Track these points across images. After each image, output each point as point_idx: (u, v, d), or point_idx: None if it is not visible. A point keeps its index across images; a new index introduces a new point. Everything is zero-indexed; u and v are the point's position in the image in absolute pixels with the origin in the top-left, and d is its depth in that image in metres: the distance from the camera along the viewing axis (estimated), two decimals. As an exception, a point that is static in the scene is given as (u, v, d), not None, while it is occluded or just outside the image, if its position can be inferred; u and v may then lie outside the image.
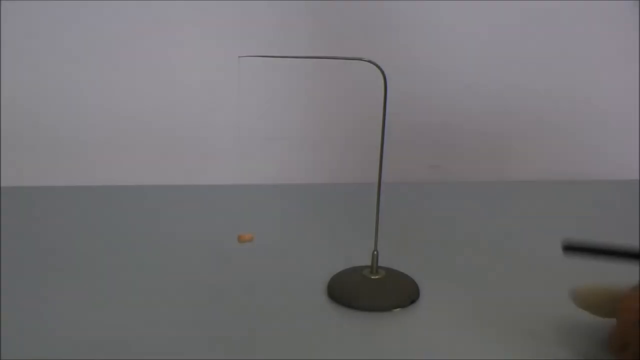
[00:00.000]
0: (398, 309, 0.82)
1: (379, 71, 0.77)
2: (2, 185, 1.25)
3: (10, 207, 1.14)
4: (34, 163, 1.27)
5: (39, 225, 1.08)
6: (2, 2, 1.17)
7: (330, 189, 1.31)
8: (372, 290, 0.84)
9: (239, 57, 0.86)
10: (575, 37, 1.34)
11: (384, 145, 0.83)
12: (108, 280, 0.89)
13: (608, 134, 1.40)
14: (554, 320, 0.80)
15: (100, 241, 1.02)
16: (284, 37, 1.25)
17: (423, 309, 0.83)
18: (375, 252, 0.87)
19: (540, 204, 1.25)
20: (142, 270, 0.92)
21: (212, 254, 0.97)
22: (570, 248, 0.74)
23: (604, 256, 0.72)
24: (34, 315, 0.79)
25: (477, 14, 1.29)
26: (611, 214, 1.20)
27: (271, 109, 1.30)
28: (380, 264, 0.88)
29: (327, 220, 1.13)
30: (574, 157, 1.40)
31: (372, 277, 0.87)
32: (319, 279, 0.88)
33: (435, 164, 1.38)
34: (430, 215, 1.17)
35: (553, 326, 0.78)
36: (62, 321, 0.77)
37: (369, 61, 0.78)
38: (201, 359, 0.70)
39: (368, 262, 0.88)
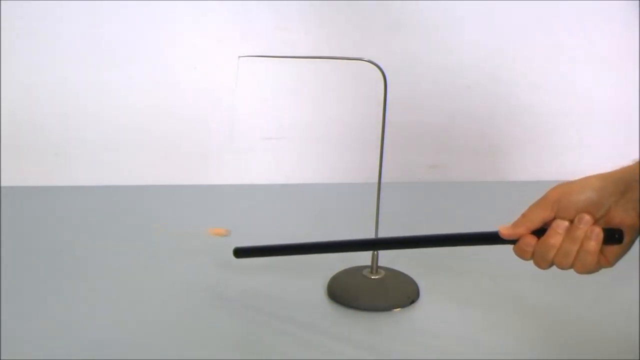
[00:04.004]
0: (398, 309, 0.82)
1: (379, 71, 0.77)
2: (2, 185, 1.25)
3: (11, 207, 1.14)
4: (34, 163, 1.27)
5: (40, 225, 1.08)
6: (2, 2, 1.17)
7: (330, 189, 1.31)
8: (372, 290, 0.84)
9: (239, 57, 0.86)
10: (576, 37, 1.34)
11: (384, 145, 0.83)
12: (108, 279, 0.89)
13: (608, 134, 1.40)
14: (552, 319, 0.80)
15: (100, 240, 1.02)
16: (284, 37, 1.25)
17: (423, 309, 0.83)
18: (375, 252, 0.87)
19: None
20: (142, 269, 0.92)
21: (212, 254, 0.97)
22: (239, 252, 0.84)
23: (268, 254, 0.85)
24: (34, 314, 0.79)
25: (477, 14, 1.29)
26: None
27: (271, 109, 1.30)
28: (380, 264, 0.88)
29: (327, 220, 1.13)
30: (573, 157, 1.40)
31: (372, 277, 0.87)
32: (319, 278, 0.88)
33: (435, 164, 1.38)
34: (430, 215, 1.17)
35: (556, 325, 0.78)
36: (62, 320, 0.77)
37: (369, 61, 0.78)
38: (201, 359, 0.70)
39: (368, 262, 0.88)
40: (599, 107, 1.39)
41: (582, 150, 1.41)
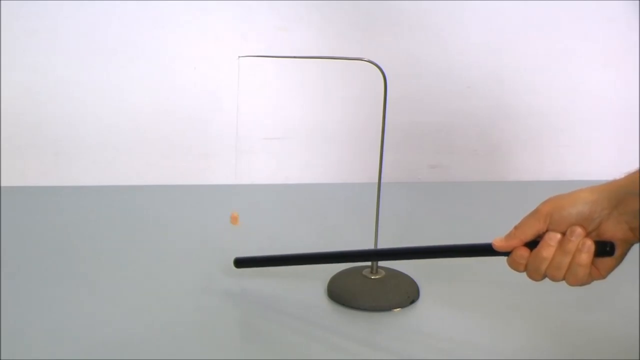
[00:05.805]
0: (398, 309, 0.82)
1: (379, 71, 0.77)
2: (3, 185, 1.25)
3: (11, 207, 1.14)
4: (35, 163, 1.27)
5: (40, 225, 1.08)
6: (2, 2, 1.18)
7: (330, 189, 1.31)
8: (372, 290, 0.84)
9: (239, 57, 0.86)
10: (576, 37, 1.34)
11: (384, 145, 0.83)
12: (107, 279, 0.89)
13: (608, 134, 1.40)
14: (553, 319, 0.80)
15: (100, 241, 1.02)
16: (284, 37, 1.25)
17: (423, 309, 0.83)
18: (375, 253, 0.87)
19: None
20: (142, 269, 0.92)
21: (212, 253, 0.97)
22: (240, 262, 0.87)
23: (268, 264, 0.88)
24: (34, 314, 0.79)
25: (477, 14, 1.29)
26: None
27: (271, 109, 1.31)
28: (380, 264, 0.88)
29: (327, 220, 1.13)
30: (573, 157, 1.40)
31: (372, 277, 0.87)
32: (319, 278, 0.88)
33: (435, 164, 1.38)
34: (430, 215, 1.17)
35: (555, 325, 0.78)
36: (61, 320, 0.77)
37: (369, 61, 0.78)
38: (200, 359, 0.70)
39: (368, 262, 0.88)
40: (600, 107, 1.39)
41: (582, 150, 1.41)
